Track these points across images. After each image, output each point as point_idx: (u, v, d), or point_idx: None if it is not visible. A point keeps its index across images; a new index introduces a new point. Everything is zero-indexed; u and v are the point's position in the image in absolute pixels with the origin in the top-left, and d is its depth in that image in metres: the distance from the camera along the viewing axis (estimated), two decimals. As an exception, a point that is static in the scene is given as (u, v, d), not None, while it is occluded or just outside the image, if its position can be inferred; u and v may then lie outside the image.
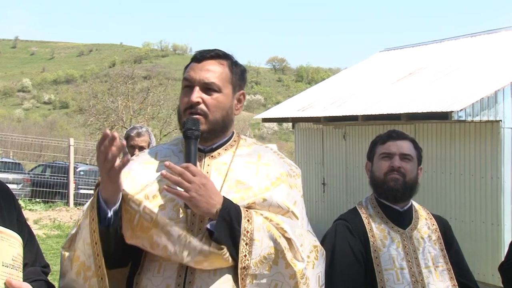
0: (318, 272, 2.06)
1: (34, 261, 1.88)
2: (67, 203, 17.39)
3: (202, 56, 2.09)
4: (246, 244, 1.89)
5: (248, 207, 1.98)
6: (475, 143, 9.10)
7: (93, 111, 35.25)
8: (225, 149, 2.12)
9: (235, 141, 2.16)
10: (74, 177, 17.86)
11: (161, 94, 36.59)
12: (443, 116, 8.82)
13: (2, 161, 19.14)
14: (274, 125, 68.69)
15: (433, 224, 2.73)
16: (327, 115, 11.58)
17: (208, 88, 2.04)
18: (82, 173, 19.33)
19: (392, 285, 2.52)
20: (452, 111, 8.58)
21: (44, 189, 17.94)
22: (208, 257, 1.87)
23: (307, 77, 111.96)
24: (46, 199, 17.72)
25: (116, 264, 1.97)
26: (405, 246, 2.60)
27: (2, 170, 18.25)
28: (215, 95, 2.04)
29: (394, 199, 2.66)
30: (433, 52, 13.16)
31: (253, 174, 2.06)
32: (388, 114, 10.03)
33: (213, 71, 2.05)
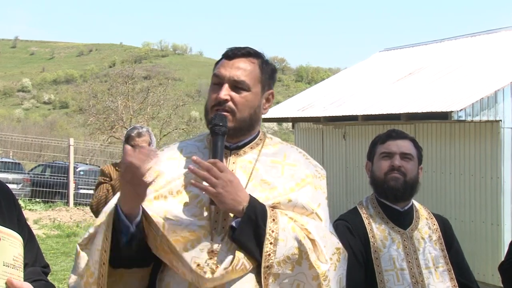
0: (339, 274, 2.04)
1: (34, 261, 1.88)
2: (67, 203, 17.39)
3: (233, 54, 2.07)
4: (271, 243, 1.88)
5: (273, 206, 1.97)
6: (475, 143, 9.09)
7: (93, 111, 35.25)
8: (251, 148, 2.11)
9: (261, 139, 2.15)
10: (74, 177, 17.86)
11: (161, 94, 36.60)
12: (443, 116, 8.81)
13: (2, 161, 19.14)
14: (274, 125, 68.64)
15: (434, 224, 2.71)
16: (327, 115, 11.57)
17: (237, 86, 2.03)
18: (82, 173, 19.32)
19: (392, 286, 2.51)
20: (452, 111, 8.57)
21: (44, 189, 17.95)
22: (224, 277, 1.88)
23: (307, 77, 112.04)
24: (46, 199, 17.72)
25: (138, 264, 1.99)
26: (406, 247, 2.59)
27: (2, 170, 18.25)
28: (244, 93, 2.03)
29: (394, 198, 2.64)
30: (433, 52, 13.15)
31: (278, 174, 2.06)
32: (388, 114, 10.02)
33: (244, 69, 2.04)
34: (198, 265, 1.89)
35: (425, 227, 2.68)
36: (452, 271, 2.62)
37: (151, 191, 1.97)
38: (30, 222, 14.24)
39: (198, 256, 1.90)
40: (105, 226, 1.91)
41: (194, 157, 1.93)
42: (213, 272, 1.88)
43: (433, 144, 9.66)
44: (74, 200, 17.53)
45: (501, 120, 8.72)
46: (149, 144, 4.70)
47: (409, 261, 2.57)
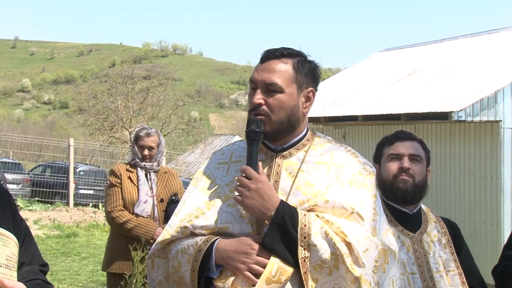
0: (391, 276, 2.00)
1: (31, 260, 1.87)
2: (67, 203, 17.38)
3: (266, 57, 2.05)
4: (304, 249, 1.87)
5: (310, 209, 1.94)
6: (475, 143, 9.09)
7: (92, 111, 35.31)
8: (297, 149, 2.08)
9: (308, 140, 2.13)
10: (74, 177, 17.85)
11: (161, 94, 36.66)
12: (443, 116, 8.81)
13: (2, 161, 19.13)
14: (273, 125, 68.46)
15: (442, 228, 2.66)
16: (327, 115, 11.57)
17: (269, 89, 2.01)
18: (82, 173, 19.32)
19: None
20: (452, 111, 8.57)
21: (44, 189, 17.93)
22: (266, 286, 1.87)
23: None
24: (46, 199, 17.71)
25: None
26: (416, 250, 2.53)
27: (2, 170, 18.24)
28: (277, 95, 2.00)
29: (403, 201, 2.58)
30: (433, 52, 13.14)
31: (324, 175, 2.02)
32: (388, 114, 10.01)
33: (275, 71, 2.01)
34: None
35: (434, 230, 2.62)
36: (463, 275, 2.56)
37: (203, 197, 2.04)
38: (30, 223, 14.19)
39: None
40: (195, 253, 1.95)
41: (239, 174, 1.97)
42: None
43: (433, 144, 9.65)
44: (74, 200, 17.52)
45: (501, 120, 8.72)
46: (158, 144, 4.75)
47: (420, 265, 2.50)
